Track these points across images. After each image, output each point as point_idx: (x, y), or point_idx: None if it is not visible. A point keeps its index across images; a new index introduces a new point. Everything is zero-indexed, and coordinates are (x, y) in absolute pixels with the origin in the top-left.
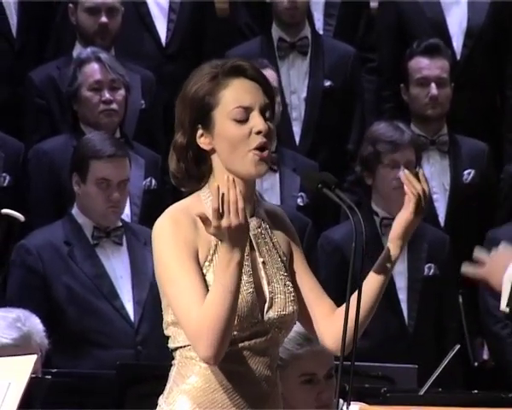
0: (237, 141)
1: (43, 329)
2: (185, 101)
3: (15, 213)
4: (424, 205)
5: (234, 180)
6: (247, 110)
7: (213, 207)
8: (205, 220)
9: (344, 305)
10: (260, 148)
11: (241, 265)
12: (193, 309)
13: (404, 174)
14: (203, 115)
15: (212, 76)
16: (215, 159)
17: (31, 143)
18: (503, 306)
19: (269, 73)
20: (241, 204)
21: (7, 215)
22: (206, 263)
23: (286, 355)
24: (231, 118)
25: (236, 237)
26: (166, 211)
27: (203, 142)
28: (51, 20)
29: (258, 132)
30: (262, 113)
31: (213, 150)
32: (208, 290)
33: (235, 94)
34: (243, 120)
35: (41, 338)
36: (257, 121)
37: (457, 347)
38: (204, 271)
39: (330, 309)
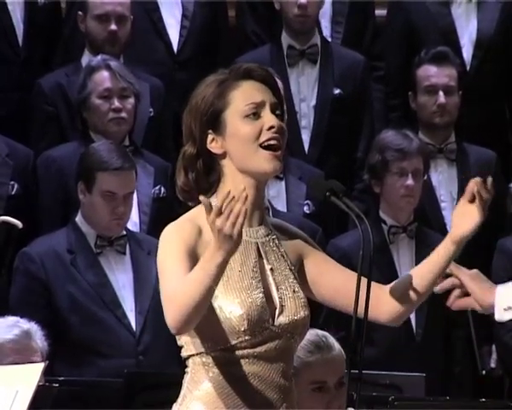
0: (250, 138)
1: (43, 333)
2: (194, 110)
3: (13, 220)
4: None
5: (247, 196)
6: (259, 107)
7: (217, 205)
8: (208, 207)
9: (392, 282)
10: (272, 145)
11: (220, 267)
12: (173, 281)
13: (474, 181)
14: (213, 119)
15: (220, 82)
16: (226, 164)
17: (38, 150)
18: (498, 316)
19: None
20: (241, 219)
21: (5, 222)
22: None
23: (297, 363)
24: (244, 115)
25: (224, 243)
26: (174, 221)
27: (214, 146)
28: (58, 28)
29: (270, 128)
30: (273, 111)
31: (225, 154)
32: None
33: (246, 92)
34: (255, 117)
35: (41, 341)
36: (269, 117)
37: None
38: None
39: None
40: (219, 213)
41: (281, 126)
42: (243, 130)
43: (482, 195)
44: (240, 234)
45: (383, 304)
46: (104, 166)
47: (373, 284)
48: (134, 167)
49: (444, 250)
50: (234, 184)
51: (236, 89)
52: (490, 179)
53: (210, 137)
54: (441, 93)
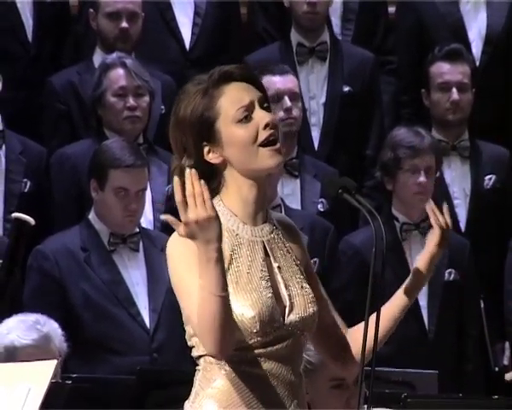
0: (248, 141)
1: (62, 333)
2: (182, 124)
3: (26, 216)
4: (447, 238)
5: (196, 173)
6: (249, 108)
7: (177, 200)
8: (174, 222)
9: (357, 325)
10: (270, 141)
11: (219, 262)
12: (194, 306)
13: (429, 206)
14: (206, 131)
15: (202, 92)
16: (227, 171)
17: (50, 148)
18: None
19: (290, 79)
20: (206, 195)
21: (18, 219)
22: None
23: (316, 360)
24: (236, 121)
25: (207, 231)
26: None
27: (212, 157)
28: (67, 25)
29: (266, 126)
30: (262, 107)
31: (224, 162)
32: None
33: (233, 97)
34: (247, 120)
35: (60, 342)
36: (261, 115)
37: None
38: None
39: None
40: (185, 207)
41: (274, 120)
42: (239, 135)
43: (439, 217)
44: (214, 210)
45: (351, 345)
46: (116, 164)
47: (340, 324)
48: (146, 164)
49: (409, 283)
50: (237, 187)
51: (222, 96)
52: (445, 206)
53: (206, 148)
54: (454, 90)
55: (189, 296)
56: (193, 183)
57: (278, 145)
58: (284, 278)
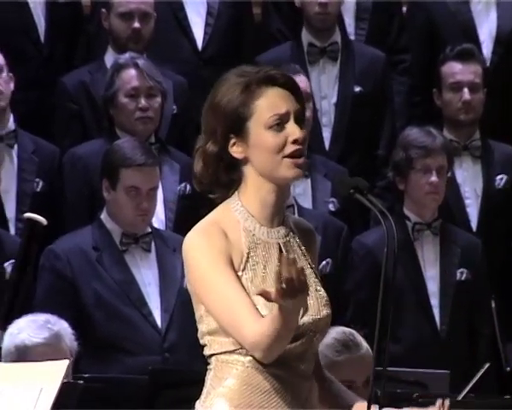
0: (273, 150)
1: (72, 332)
2: (217, 111)
3: (38, 216)
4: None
5: (295, 259)
6: (283, 118)
7: (277, 288)
8: (265, 294)
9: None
10: (295, 155)
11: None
12: (246, 322)
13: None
14: (237, 126)
15: (243, 86)
16: (247, 168)
17: (62, 147)
18: None
19: (301, 79)
20: (303, 278)
21: (30, 219)
22: (239, 273)
23: (324, 362)
24: (267, 126)
25: (299, 304)
26: (196, 226)
27: (236, 151)
28: (79, 25)
29: (295, 141)
30: (296, 120)
31: (246, 159)
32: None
33: (271, 103)
34: (279, 129)
35: (71, 341)
36: (293, 130)
37: (487, 365)
38: None
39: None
40: (285, 292)
41: (304, 137)
42: (267, 141)
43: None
44: (307, 287)
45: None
46: (128, 163)
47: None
48: (157, 163)
49: None
50: (256, 186)
51: (260, 98)
52: (447, 403)
53: (232, 141)
54: (466, 90)
55: (215, 293)
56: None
57: (302, 160)
58: None
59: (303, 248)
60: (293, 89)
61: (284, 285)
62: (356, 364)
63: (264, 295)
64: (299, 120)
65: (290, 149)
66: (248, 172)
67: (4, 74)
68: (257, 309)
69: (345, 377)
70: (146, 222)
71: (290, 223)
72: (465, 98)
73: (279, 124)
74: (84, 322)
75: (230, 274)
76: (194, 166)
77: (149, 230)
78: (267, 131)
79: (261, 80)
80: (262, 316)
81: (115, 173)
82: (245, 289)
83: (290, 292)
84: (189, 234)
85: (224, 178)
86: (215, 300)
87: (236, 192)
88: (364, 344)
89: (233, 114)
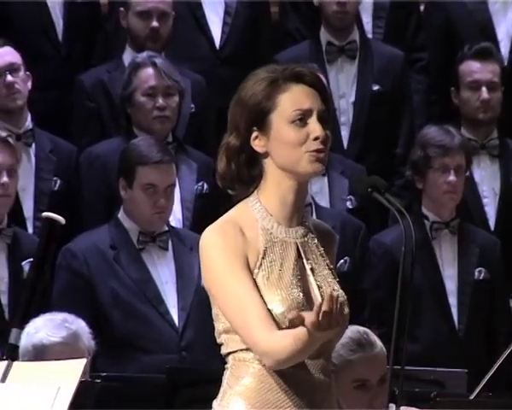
0: (294, 145)
1: (90, 331)
2: (242, 104)
3: (57, 216)
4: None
5: (337, 298)
6: (306, 114)
7: (314, 321)
8: (298, 317)
9: None
10: (317, 151)
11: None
12: (258, 329)
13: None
14: (260, 118)
15: (270, 81)
16: (267, 162)
17: (80, 146)
18: None
19: None
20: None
21: (48, 218)
22: (256, 270)
23: (338, 361)
24: (290, 121)
25: (330, 333)
26: (213, 224)
27: (257, 144)
28: (97, 24)
29: (316, 138)
30: (320, 119)
31: (267, 153)
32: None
33: (294, 98)
34: (301, 124)
35: (88, 340)
36: (315, 127)
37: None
38: (253, 276)
39: None
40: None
41: (326, 136)
42: (288, 136)
43: None
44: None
45: None
46: (144, 160)
47: None
48: (173, 160)
49: None
50: (276, 183)
51: (286, 92)
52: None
53: (254, 134)
54: (484, 89)
55: (228, 294)
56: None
57: (323, 155)
58: (317, 280)
59: (321, 249)
60: (320, 89)
61: (321, 318)
62: (370, 363)
63: (297, 318)
64: (323, 121)
65: (311, 146)
66: (269, 167)
67: (21, 73)
68: (270, 315)
69: (359, 376)
70: (163, 220)
71: (309, 224)
72: (483, 97)
73: (301, 119)
74: (101, 321)
75: (245, 276)
76: (217, 162)
77: (166, 228)
78: (289, 126)
79: (288, 77)
80: (275, 320)
81: (131, 172)
82: (259, 293)
83: (325, 326)
84: (206, 231)
85: (246, 174)
86: (229, 302)
87: (256, 191)
88: (379, 343)
89: (257, 106)
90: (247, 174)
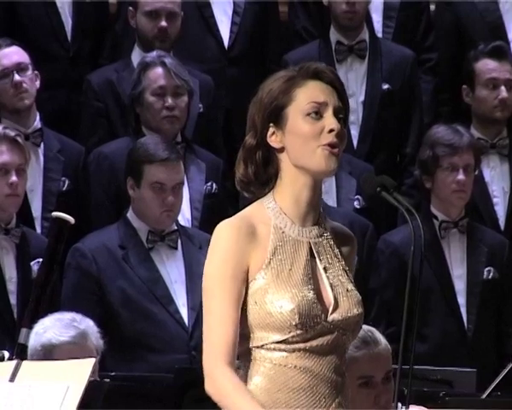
0: (308, 137)
1: (98, 330)
2: (259, 103)
3: (66, 215)
4: None
5: None
6: (321, 107)
7: None
8: None
9: None
10: (331, 145)
11: None
12: (214, 348)
13: None
14: (276, 113)
15: (288, 78)
16: (283, 159)
17: (88, 146)
18: None
19: None
20: None
21: (58, 218)
22: (264, 267)
23: None
24: (305, 113)
25: None
26: (229, 218)
27: (274, 140)
28: (106, 24)
29: (331, 131)
30: (335, 114)
31: (283, 149)
32: (236, 314)
33: (310, 91)
34: (316, 117)
35: (97, 339)
36: (330, 120)
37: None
38: (257, 276)
39: None
40: None
41: (341, 130)
42: (303, 128)
43: None
44: None
45: None
46: (151, 159)
47: None
48: (181, 158)
49: None
50: (291, 181)
51: (302, 87)
52: None
53: (271, 130)
54: (503, 88)
55: (209, 299)
56: None
57: (337, 150)
58: (330, 279)
59: (336, 250)
60: (337, 87)
61: None
62: (374, 359)
63: None
64: (339, 118)
65: (326, 139)
66: (284, 164)
67: (29, 72)
68: (233, 343)
69: (363, 373)
70: (172, 218)
71: (327, 225)
72: (502, 96)
73: (317, 113)
74: (110, 320)
75: (231, 288)
76: (235, 168)
77: (175, 227)
78: (304, 118)
79: (306, 74)
80: (281, 319)
81: (139, 170)
82: (238, 308)
83: None
84: (222, 223)
85: (263, 175)
86: (206, 306)
87: (271, 192)
88: (383, 341)
89: (272, 101)
90: (264, 174)
